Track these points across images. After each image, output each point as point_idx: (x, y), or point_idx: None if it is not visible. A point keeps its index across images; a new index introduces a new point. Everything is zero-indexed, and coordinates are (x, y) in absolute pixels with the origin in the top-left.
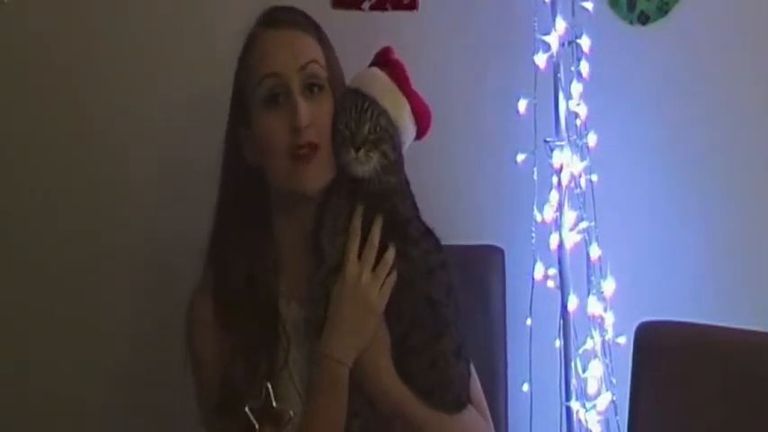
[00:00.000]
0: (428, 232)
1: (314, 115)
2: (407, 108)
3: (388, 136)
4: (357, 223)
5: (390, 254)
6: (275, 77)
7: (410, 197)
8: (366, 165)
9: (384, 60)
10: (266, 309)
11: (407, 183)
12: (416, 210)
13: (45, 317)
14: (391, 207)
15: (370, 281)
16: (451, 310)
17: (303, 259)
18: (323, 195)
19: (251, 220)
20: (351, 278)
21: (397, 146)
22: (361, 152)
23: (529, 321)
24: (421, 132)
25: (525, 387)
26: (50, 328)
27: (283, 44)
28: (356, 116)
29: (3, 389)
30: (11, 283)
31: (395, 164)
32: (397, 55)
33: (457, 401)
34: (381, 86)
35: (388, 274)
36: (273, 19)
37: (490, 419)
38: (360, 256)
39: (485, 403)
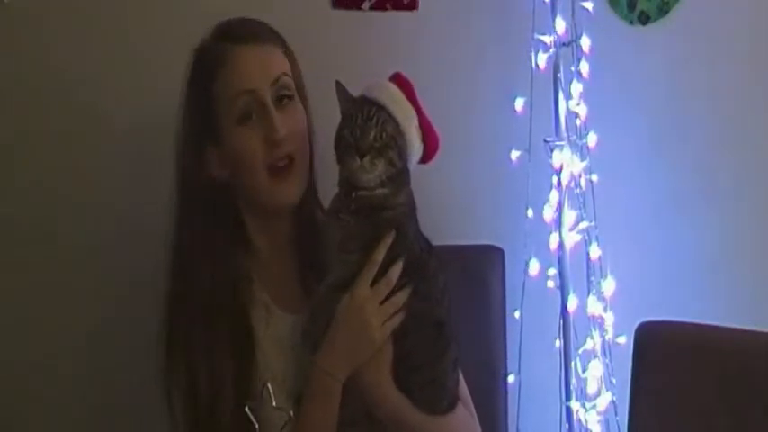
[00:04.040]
0: (430, 248)
1: (288, 126)
2: (416, 121)
3: (394, 143)
4: (380, 254)
5: (401, 296)
6: (250, 94)
7: (415, 218)
8: (371, 173)
9: (395, 79)
10: (235, 319)
11: (413, 201)
12: (417, 226)
13: (44, 316)
14: (410, 245)
15: (374, 313)
16: (454, 328)
17: (284, 265)
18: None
19: (217, 232)
20: (357, 303)
21: (403, 154)
22: (366, 159)
23: (517, 314)
24: (427, 155)
25: (511, 378)
26: (50, 328)
27: (256, 60)
28: (362, 123)
29: (2, 388)
30: (10, 282)
31: (402, 174)
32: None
33: (449, 405)
34: (392, 95)
35: (396, 313)
36: (239, 34)
37: (474, 412)
38: (372, 285)
39: (469, 396)
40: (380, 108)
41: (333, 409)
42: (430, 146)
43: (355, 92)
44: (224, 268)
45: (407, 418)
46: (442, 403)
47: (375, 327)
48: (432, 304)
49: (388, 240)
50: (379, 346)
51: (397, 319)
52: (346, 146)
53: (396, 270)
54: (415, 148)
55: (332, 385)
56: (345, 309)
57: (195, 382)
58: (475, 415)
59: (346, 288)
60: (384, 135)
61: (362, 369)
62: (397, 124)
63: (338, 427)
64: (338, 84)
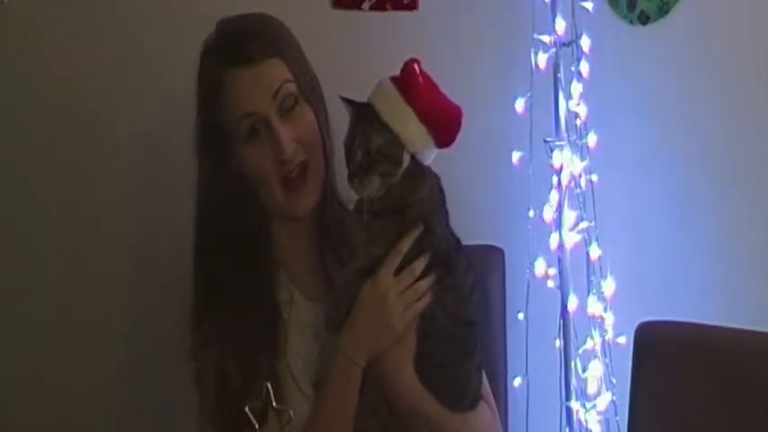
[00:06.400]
0: (458, 245)
1: (296, 135)
2: (414, 119)
3: (381, 157)
4: (406, 245)
5: (423, 284)
6: (251, 116)
7: (445, 210)
8: (367, 190)
9: (402, 71)
10: (263, 304)
11: (442, 192)
12: (447, 219)
13: (44, 316)
14: (437, 241)
15: (396, 301)
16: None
17: (306, 253)
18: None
19: (240, 222)
20: (379, 290)
21: (399, 160)
22: (356, 182)
23: (521, 315)
24: (443, 140)
25: (517, 381)
26: (50, 327)
27: (252, 83)
28: (349, 142)
29: (2, 389)
30: (9, 282)
31: (415, 171)
32: (419, 66)
33: (471, 403)
34: (385, 99)
35: (417, 301)
36: (235, 53)
37: (495, 409)
38: (395, 273)
39: (490, 393)
40: (370, 120)
41: (352, 393)
42: (439, 133)
43: (358, 91)
44: (248, 259)
45: (427, 410)
46: (463, 401)
47: (396, 315)
48: (462, 300)
49: (415, 232)
50: (400, 333)
51: (419, 307)
52: (347, 163)
53: (420, 262)
54: (420, 144)
55: (352, 369)
56: (368, 295)
57: (225, 365)
58: (496, 413)
59: (370, 274)
60: (370, 152)
61: (384, 356)
62: (388, 132)
63: (358, 416)
64: (341, 98)
